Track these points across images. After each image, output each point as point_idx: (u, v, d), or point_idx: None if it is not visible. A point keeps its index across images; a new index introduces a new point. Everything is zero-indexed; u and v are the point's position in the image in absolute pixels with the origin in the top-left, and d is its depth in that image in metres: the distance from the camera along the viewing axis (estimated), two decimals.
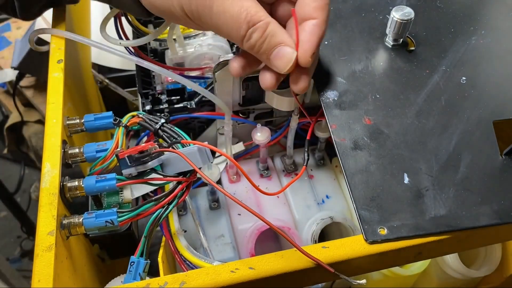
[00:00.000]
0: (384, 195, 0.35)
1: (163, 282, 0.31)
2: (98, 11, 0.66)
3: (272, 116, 0.51)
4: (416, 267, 0.53)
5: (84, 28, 0.62)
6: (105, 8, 0.47)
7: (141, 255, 0.35)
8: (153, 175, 0.36)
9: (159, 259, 0.39)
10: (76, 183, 0.37)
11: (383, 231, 0.34)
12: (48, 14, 0.47)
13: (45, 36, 0.66)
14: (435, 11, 0.47)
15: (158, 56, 0.55)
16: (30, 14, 0.44)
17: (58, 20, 0.46)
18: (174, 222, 0.42)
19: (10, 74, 0.94)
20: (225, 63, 0.42)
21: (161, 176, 0.35)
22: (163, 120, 0.39)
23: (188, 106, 0.51)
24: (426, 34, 0.45)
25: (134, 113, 0.41)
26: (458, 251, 0.52)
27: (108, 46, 0.42)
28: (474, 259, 0.57)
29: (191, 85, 0.41)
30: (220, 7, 0.34)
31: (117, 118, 0.41)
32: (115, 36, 0.47)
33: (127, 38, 0.48)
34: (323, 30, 0.36)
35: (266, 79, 0.38)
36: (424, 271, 0.54)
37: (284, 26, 0.37)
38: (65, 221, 0.35)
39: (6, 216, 1.32)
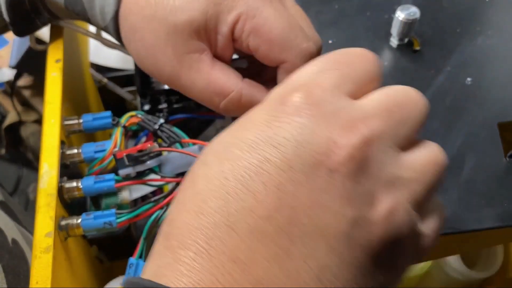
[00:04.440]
0: None
1: None
2: None
3: None
4: (418, 268, 0.53)
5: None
6: None
7: (140, 257, 0.35)
8: (152, 176, 0.35)
9: None
10: (75, 183, 0.36)
11: None
12: None
13: (43, 36, 0.65)
14: (440, 11, 0.47)
15: None
16: (25, 34, 0.44)
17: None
18: None
19: (8, 74, 0.94)
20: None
21: (160, 177, 0.35)
22: (162, 120, 0.39)
23: (188, 106, 0.50)
24: (431, 34, 0.44)
25: (133, 113, 0.41)
26: (461, 252, 0.52)
27: (109, 40, 0.42)
28: (476, 260, 0.57)
29: None
30: (188, 81, 0.33)
31: (115, 118, 0.40)
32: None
33: None
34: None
35: None
36: (426, 272, 0.54)
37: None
38: (63, 222, 0.34)
39: None
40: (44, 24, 0.43)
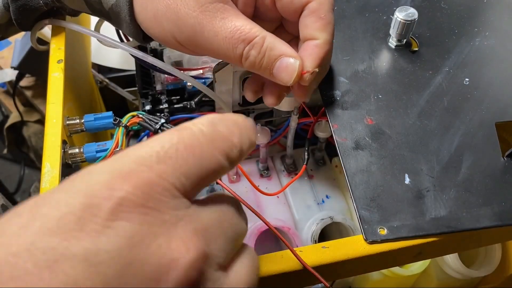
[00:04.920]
0: (384, 195, 0.35)
1: None
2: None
3: (272, 116, 0.51)
4: (416, 267, 0.53)
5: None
6: None
7: None
8: None
9: None
10: None
11: (383, 231, 0.33)
12: None
13: (45, 36, 0.66)
14: (439, 12, 0.47)
15: (158, 56, 0.55)
16: (26, 26, 0.44)
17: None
18: None
19: (10, 74, 0.94)
20: (225, 63, 0.41)
21: None
22: (163, 120, 0.39)
23: (188, 106, 0.51)
24: (429, 35, 0.45)
25: (134, 113, 0.41)
26: (458, 251, 0.52)
27: (111, 39, 0.42)
28: (474, 259, 0.57)
29: (194, 83, 0.41)
30: (211, 31, 0.33)
31: (117, 118, 0.41)
32: (115, 37, 0.47)
33: (127, 40, 0.48)
34: (325, 51, 0.35)
35: (270, 102, 0.38)
36: (424, 271, 0.54)
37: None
38: None
39: None
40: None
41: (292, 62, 0.33)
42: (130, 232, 0.16)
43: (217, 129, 0.21)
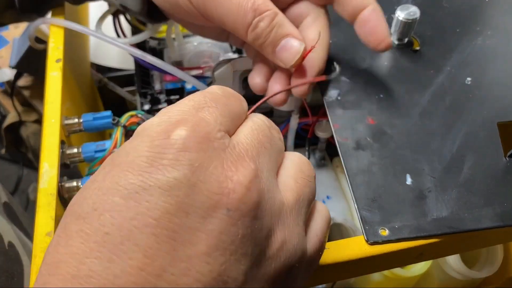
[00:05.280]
0: (386, 196, 0.35)
1: None
2: (96, 15, 0.66)
3: (272, 115, 0.51)
4: (418, 268, 0.53)
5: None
6: (104, 10, 0.47)
7: None
8: None
9: None
10: (75, 183, 0.36)
11: (384, 232, 0.33)
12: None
13: (43, 35, 0.65)
14: (440, 11, 0.47)
15: (157, 55, 0.55)
16: (26, 10, 0.44)
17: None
18: None
19: (8, 74, 0.94)
20: (225, 62, 0.41)
21: None
22: None
23: None
24: (431, 34, 0.44)
25: (133, 112, 0.41)
26: (460, 252, 0.52)
27: (111, 38, 0.42)
28: (476, 260, 0.57)
29: (195, 83, 0.41)
30: None
31: (115, 117, 0.41)
32: (114, 36, 0.47)
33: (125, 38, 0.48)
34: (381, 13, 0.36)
35: (275, 99, 0.38)
36: (426, 272, 0.53)
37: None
38: None
39: None
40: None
41: (297, 45, 0.34)
42: (190, 160, 0.20)
43: (227, 90, 0.25)
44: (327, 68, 0.39)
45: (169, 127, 0.21)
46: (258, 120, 0.25)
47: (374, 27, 0.35)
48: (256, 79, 0.38)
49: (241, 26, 0.34)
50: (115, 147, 0.39)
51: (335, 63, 0.40)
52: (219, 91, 0.24)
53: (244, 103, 0.26)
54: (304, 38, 0.35)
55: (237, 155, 0.21)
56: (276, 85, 0.37)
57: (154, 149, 0.20)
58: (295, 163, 0.25)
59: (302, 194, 0.24)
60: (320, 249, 0.25)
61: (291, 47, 0.34)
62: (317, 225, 0.25)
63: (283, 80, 0.37)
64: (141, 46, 0.54)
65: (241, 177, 0.20)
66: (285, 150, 0.44)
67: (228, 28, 0.35)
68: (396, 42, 0.43)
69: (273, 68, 0.38)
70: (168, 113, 0.22)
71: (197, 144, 0.20)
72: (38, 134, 1.01)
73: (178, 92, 0.52)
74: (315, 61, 0.36)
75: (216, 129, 0.21)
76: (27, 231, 0.47)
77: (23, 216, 0.49)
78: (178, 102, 0.23)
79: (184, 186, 0.19)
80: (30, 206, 1.23)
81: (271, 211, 0.21)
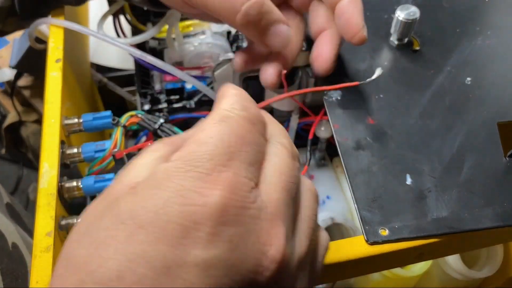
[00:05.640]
0: (386, 196, 0.35)
1: None
2: (96, 15, 0.66)
3: (272, 115, 0.51)
4: (418, 268, 0.53)
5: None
6: (104, 9, 0.47)
7: None
8: None
9: None
10: (75, 183, 0.36)
11: (384, 232, 0.33)
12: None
13: (43, 35, 0.65)
14: (440, 11, 0.47)
15: (157, 56, 0.55)
16: (25, 13, 0.44)
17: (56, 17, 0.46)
18: None
19: (8, 74, 0.94)
20: (225, 62, 0.41)
21: None
22: (162, 120, 0.39)
23: (187, 106, 0.50)
24: (431, 34, 0.44)
25: (133, 112, 0.41)
26: (460, 252, 0.52)
27: (111, 38, 0.42)
28: (476, 260, 0.56)
29: (195, 83, 0.41)
30: None
31: (115, 117, 0.40)
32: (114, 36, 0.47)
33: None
34: (338, 40, 0.37)
35: (268, 76, 0.37)
36: (426, 272, 0.53)
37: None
38: (63, 222, 0.34)
39: None
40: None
41: (286, 29, 0.35)
42: (230, 235, 0.18)
43: (251, 111, 0.22)
44: (361, 71, 0.40)
45: (200, 182, 0.18)
46: (282, 154, 0.23)
47: (349, 19, 0.35)
48: (237, 59, 0.39)
49: (230, 13, 0.34)
50: (115, 147, 0.38)
51: (379, 68, 0.40)
52: (243, 112, 0.22)
53: (265, 123, 0.24)
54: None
55: (270, 220, 0.19)
56: (269, 69, 0.38)
57: (188, 216, 0.18)
58: (308, 196, 0.26)
59: (310, 241, 0.23)
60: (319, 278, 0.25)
61: (281, 32, 0.35)
62: (320, 260, 0.25)
63: (275, 64, 0.38)
64: (141, 46, 0.54)
65: (274, 252, 0.19)
66: None
67: (216, 15, 0.35)
68: (396, 42, 0.43)
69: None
70: (194, 153, 0.19)
71: (235, 216, 0.18)
72: (38, 134, 1.01)
73: (178, 92, 0.52)
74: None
75: (249, 186, 0.19)
76: (31, 231, 0.47)
77: (26, 217, 0.49)
78: (202, 128, 0.20)
79: (222, 266, 0.18)
80: (30, 206, 1.23)
81: (294, 266, 0.21)
